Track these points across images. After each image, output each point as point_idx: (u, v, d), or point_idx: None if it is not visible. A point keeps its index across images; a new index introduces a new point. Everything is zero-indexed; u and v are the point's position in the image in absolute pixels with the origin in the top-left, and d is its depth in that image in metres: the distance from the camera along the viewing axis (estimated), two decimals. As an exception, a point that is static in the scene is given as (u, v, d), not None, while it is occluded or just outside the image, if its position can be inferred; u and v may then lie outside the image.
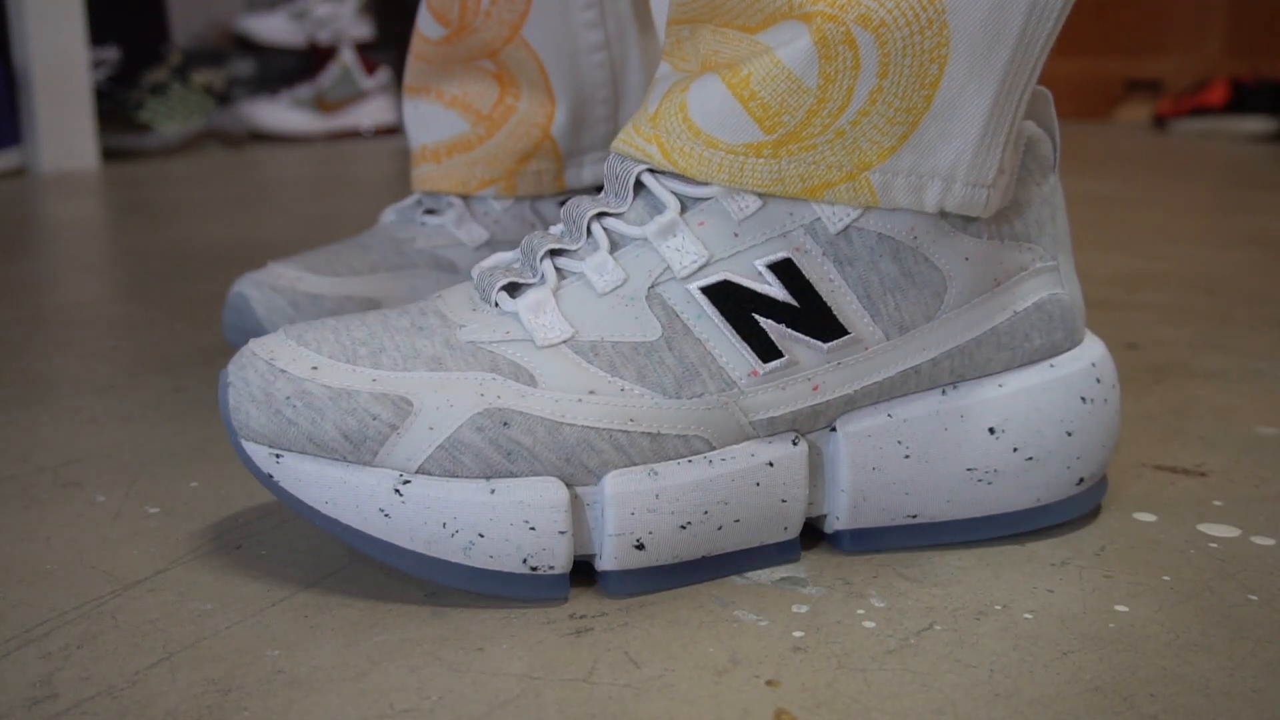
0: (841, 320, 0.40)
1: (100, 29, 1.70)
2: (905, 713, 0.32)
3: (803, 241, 0.39)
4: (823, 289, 0.39)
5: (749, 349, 0.39)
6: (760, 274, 0.39)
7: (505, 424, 0.38)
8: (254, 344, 0.40)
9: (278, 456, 0.38)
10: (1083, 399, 0.43)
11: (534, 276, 0.41)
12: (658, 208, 0.40)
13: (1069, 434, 0.42)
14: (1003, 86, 0.39)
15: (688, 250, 0.39)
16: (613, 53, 0.65)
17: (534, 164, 0.65)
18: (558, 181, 0.66)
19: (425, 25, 0.65)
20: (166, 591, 0.39)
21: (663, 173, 0.40)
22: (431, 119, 0.67)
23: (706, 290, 0.39)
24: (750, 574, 0.40)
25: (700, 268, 0.39)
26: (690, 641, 0.36)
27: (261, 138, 2.00)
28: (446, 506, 0.37)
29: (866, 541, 0.42)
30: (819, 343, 0.40)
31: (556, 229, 0.43)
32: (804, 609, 0.38)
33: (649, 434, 0.38)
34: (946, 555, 0.42)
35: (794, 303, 0.39)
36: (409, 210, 0.67)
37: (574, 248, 0.41)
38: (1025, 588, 0.39)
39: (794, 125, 0.39)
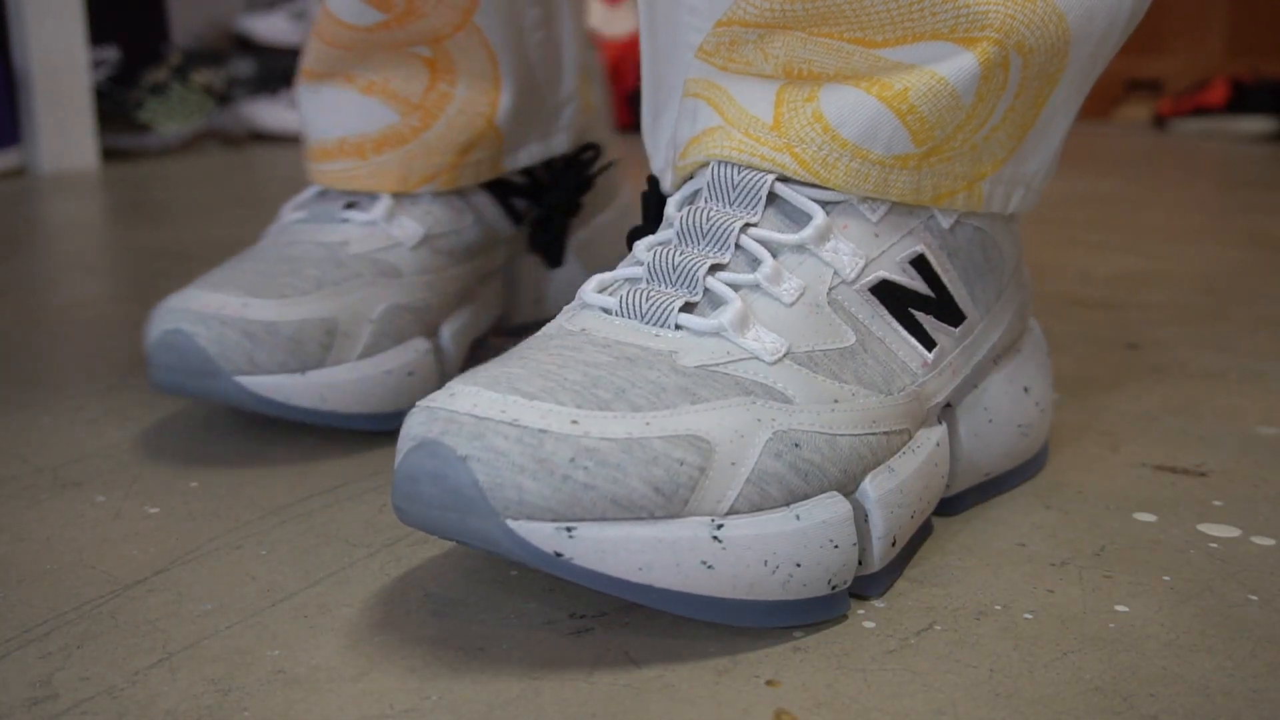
0: (961, 307, 0.44)
1: (100, 29, 1.70)
2: (905, 713, 0.32)
3: (925, 237, 0.42)
4: (946, 280, 0.43)
5: (916, 341, 0.42)
6: (905, 270, 0.42)
7: (796, 445, 0.36)
8: (438, 401, 0.34)
9: (570, 530, 0.32)
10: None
11: (696, 295, 0.39)
12: (795, 215, 0.41)
13: (1049, 382, 0.50)
14: (1083, 101, 0.45)
15: (845, 253, 0.41)
16: (551, 31, 0.62)
17: (474, 154, 0.60)
18: (494, 168, 0.61)
19: (348, 11, 0.56)
20: (166, 591, 0.39)
21: (796, 182, 0.41)
22: (343, 107, 0.58)
23: (874, 290, 0.41)
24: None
25: (862, 269, 0.41)
26: (690, 641, 0.36)
27: (261, 138, 1.99)
28: (765, 543, 0.35)
29: (953, 506, 0.46)
30: (953, 329, 0.43)
31: (665, 236, 0.41)
32: (804, 609, 0.38)
33: (887, 433, 0.39)
34: (946, 555, 0.42)
35: (932, 294, 0.42)
36: (321, 206, 0.58)
37: (724, 260, 0.39)
38: (1025, 588, 0.39)
39: (941, 139, 0.41)
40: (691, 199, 0.43)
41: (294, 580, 0.40)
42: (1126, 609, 0.38)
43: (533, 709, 0.32)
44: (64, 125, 1.56)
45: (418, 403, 0.35)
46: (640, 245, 0.42)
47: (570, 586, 0.39)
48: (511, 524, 0.32)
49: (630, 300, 0.39)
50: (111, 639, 0.36)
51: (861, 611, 0.38)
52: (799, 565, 0.35)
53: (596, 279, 0.41)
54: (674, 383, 0.36)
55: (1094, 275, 0.93)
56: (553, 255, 0.64)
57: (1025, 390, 0.47)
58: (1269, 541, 0.43)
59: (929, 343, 0.42)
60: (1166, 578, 0.40)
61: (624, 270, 0.41)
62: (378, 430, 0.53)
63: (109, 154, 1.69)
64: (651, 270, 0.40)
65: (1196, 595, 0.39)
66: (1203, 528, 0.45)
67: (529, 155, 0.63)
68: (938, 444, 0.42)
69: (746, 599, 0.35)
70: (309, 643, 0.36)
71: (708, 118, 0.43)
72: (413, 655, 0.35)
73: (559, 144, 0.65)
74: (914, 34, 0.40)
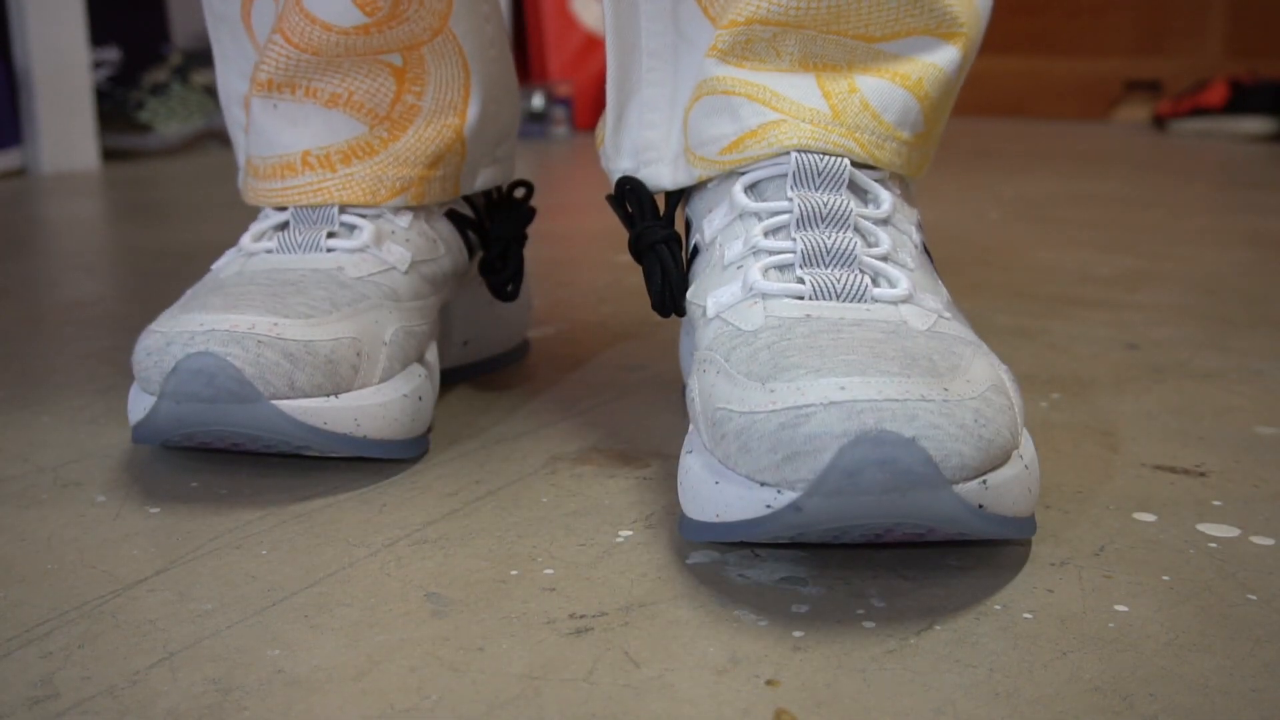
0: None
1: (100, 29, 1.70)
2: (905, 713, 0.32)
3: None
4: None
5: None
6: (920, 229, 0.49)
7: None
8: (820, 399, 0.35)
9: (984, 481, 0.36)
10: None
11: (870, 274, 0.44)
12: (863, 194, 0.47)
13: None
14: None
15: (907, 220, 0.48)
16: (501, 52, 0.61)
17: (441, 168, 0.57)
18: (455, 187, 0.59)
19: (332, 11, 0.53)
20: (167, 591, 0.39)
21: (857, 165, 0.47)
22: (308, 120, 0.55)
23: (926, 252, 0.48)
24: (750, 574, 0.40)
25: (914, 232, 0.48)
26: (690, 641, 0.36)
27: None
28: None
29: None
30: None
31: (780, 220, 0.46)
32: (804, 609, 0.38)
33: None
34: (946, 555, 0.42)
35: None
36: (294, 236, 0.54)
37: (852, 239, 0.44)
38: (1025, 588, 0.40)
39: (936, 120, 0.50)
40: (754, 187, 0.47)
41: (294, 580, 0.40)
42: (1126, 608, 0.38)
43: (533, 709, 0.32)
44: (64, 125, 1.56)
45: (796, 409, 0.36)
46: (763, 230, 0.45)
47: (570, 587, 0.39)
48: (958, 489, 0.35)
49: (821, 285, 0.43)
50: (112, 638, 0.36)
51: (861, 611, 0.38)
52: None
53: (759, 266, 0.44)
54: (923, 346, 0.39)
55: (1094, 275, 0.93)
56: (513, 287, 0.62)
57: None
58: (1268, 541, 0.43)
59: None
60: (1166, 577, 0.40)
61: (772, 259, 0.44)
62: (400, 458, 0.51)
63: (109, 154, 1.69)
64: (807, 256, 0.44)
65: (1196, 595, 0.39)
66: (1202, 527, 0.45)
67: (484, 179, 0.61)
68: None
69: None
70: (309, 643, 0.36)
71: (757, 113, 0.47)
72: (413, 655, 0.35)
73: (504, 173, 0.63)
74: (907, 29, 0.47)
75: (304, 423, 0.46)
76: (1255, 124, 2.14)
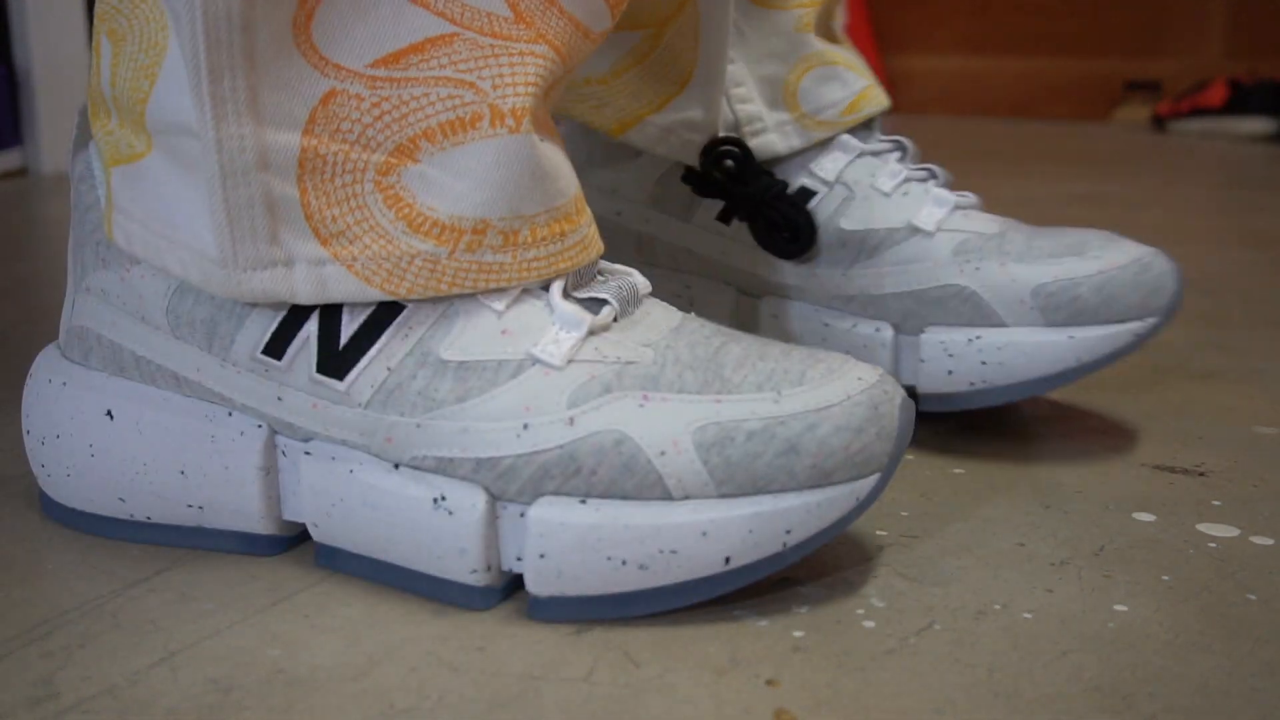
0: None
1: (100, 29, 1.69)
2: (905, 712, 0.32)
3: None
4: None
5: None
6: None
7: None
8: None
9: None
10: None
11: None
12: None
13: None
14: None
15: None
16: None
17: None
18: None
19: (591, 17, 0.39)
20: (167, 591, 0.39)
21: None
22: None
23: None
24: (750, 574, 0.40)
25: None
26: (690, 641, 0.36)
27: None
28: None
29: None
30: None
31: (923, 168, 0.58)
32: (804, 609, 0.38)
33: None
34: (946, 555, 0.42)
35: None
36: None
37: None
38: (1025, 588, 0.40)
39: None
40: (867, 140, 0.58)
41: (294, 580, 0.40)
42: (1126, 608, 0.38)
43: (533, 709, 0.32)
44: (64, 125, 1.56)
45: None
46: (895, 161, 0.57)
47: (570, 586, 0.39)
48: None
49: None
50: (113, 638, 0.36)
51: (861, 611, 0.38)
52: None
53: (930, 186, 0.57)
54: None
55: (1094, 275, 0.93)
56: None
57: None
58: (1268, 541, 0.43)
59: None
60: (1166, 577, 0.40)
61: (926, 180, 0.57)
62: None
63: (109, 154, 1.69)
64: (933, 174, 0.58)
65: (1195, 594, 0.39)
66: (1202, 527, 0.45)
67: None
68: None
69: None
70: (309, 643, 0.36)
71: (855, 79, 0.57)
72: (413, 655, 0.35)
73: None
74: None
75: None
76: (1255, 124, 2.14)
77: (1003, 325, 0.51)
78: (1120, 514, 0.46)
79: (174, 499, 0.41)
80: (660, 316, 0.40)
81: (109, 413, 0.41)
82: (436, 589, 0.38)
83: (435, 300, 0.37)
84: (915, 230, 0.54)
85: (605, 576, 0.36)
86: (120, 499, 0.41)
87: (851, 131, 0.57)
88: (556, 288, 0.38)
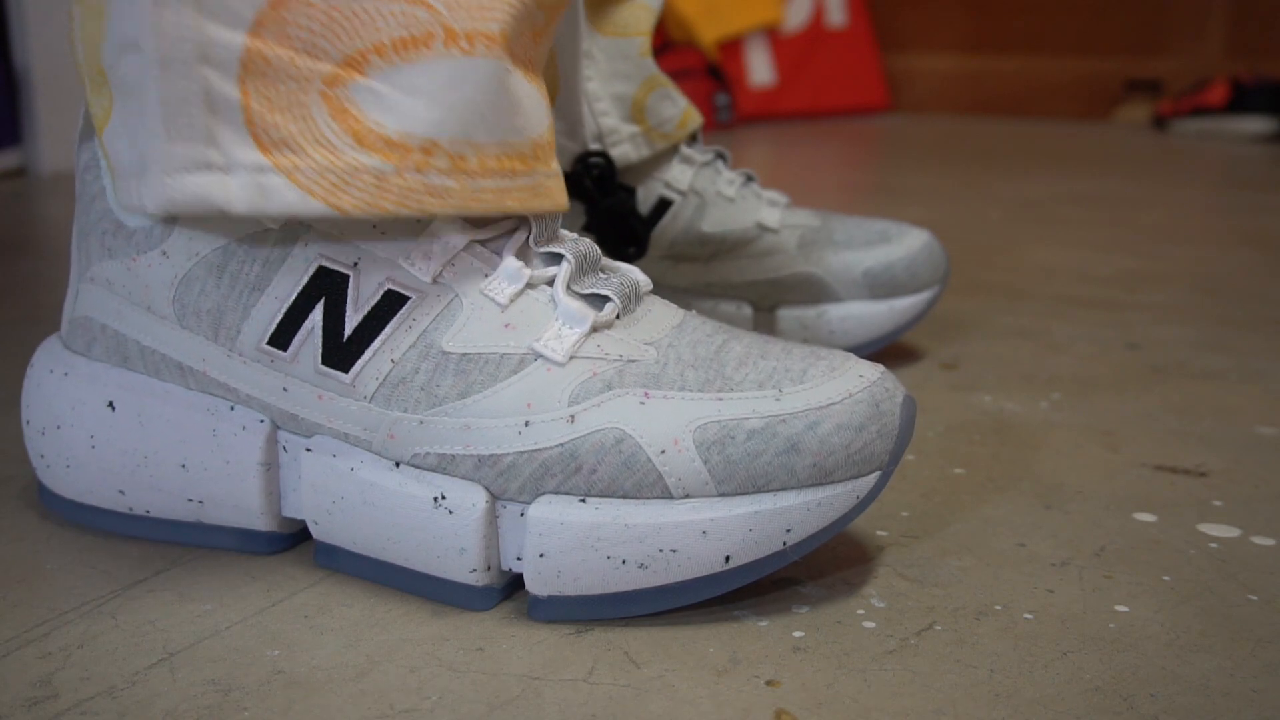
0: None
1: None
2: (905, 713, 0.32)
3: None
4: None
5: None
6: None
7: None
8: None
9: None
10: None
11: None
12: None
13: None
14: None
15: None
16: None
17: None
18: None
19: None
20: (166, 591, 0.39)
21: None
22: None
23: None
24: (750, 574, 0.40)
25: None
26: (690, 641, 0.36)
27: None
28: None
29: None
30: None
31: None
32: (804, 609, 0.38)
33: None
34: (946, 555, 0.42)
35: None
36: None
37: None
38: (1025, 588, 0.40)
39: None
40: (701, 152, 0.68)
41: (294, 580, 0.40)
42: (1126, 609, 0.38)
43: (533, 709, 0.32)
44: (64, 125, 1.56)
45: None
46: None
47: (570, 586, 0.39)
48: None
49: None
50: (112, 639, 0.36)
51: (861, 611, 0.38)
52: None
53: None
54: None
55: (1094, 275, 0.93)
56: None
57: None
58: (1269, 541, 0.43)
59: None
60: (1166, 578, 0.40)
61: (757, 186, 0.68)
62: None
63: (109, 154, 1.69)
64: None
65: (1196, 595, 0.39)
66: (1203, 528, 0.45)
67: None
68: None
69: None
70: (309, 643, 0.36)
71: (680, 98, 0.66)
72: (413, 655, 0.35)
73: None
74: None
75: None
76: (1255, 124, 2.14)
77: (840, 300, 0.64)
78: (1121, 514, 0.46)
79: (174, 492, 0.41)
80: (662, 314, 0.40)
81: (110, 404, 0.41)
82: (436, 589, 0.38)
83: (438, 292, 0.37)
84: (764, 229, 0.66)
85: (605, 576, 0.36)
86: (120, 491, 0.41)
87: (686, 143, 0.68)
88: (560, 282, 0.38)
